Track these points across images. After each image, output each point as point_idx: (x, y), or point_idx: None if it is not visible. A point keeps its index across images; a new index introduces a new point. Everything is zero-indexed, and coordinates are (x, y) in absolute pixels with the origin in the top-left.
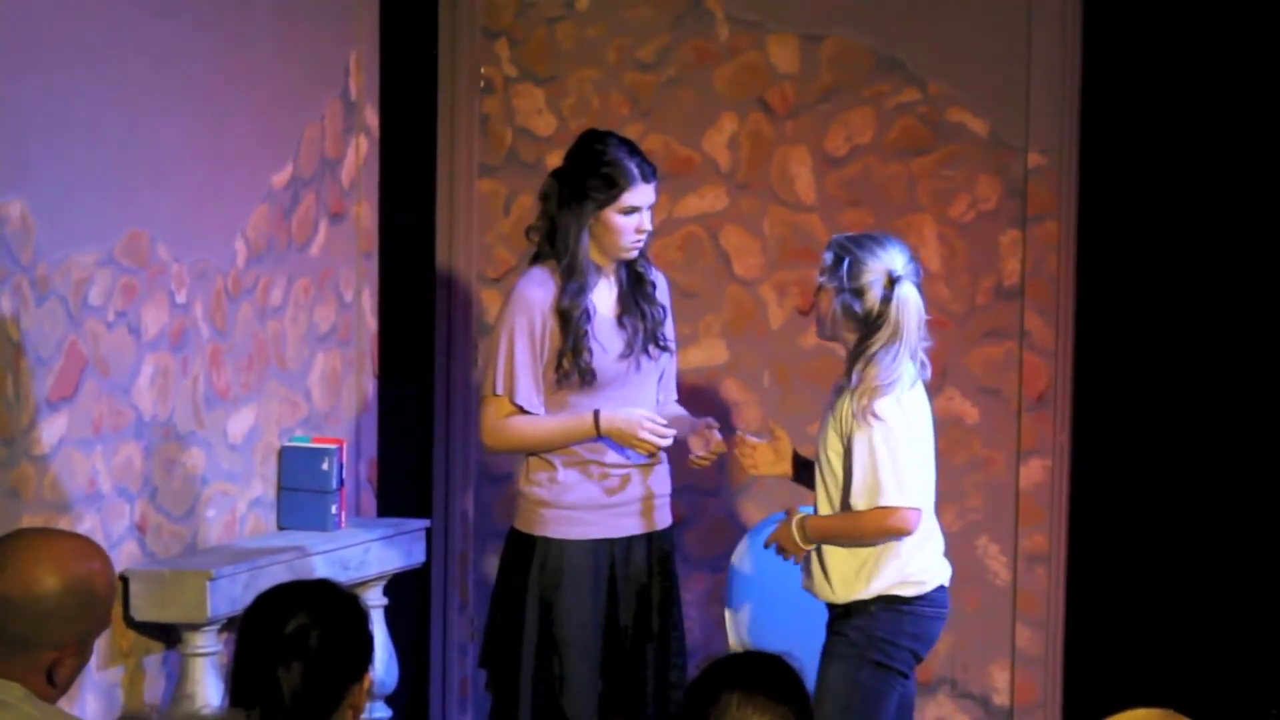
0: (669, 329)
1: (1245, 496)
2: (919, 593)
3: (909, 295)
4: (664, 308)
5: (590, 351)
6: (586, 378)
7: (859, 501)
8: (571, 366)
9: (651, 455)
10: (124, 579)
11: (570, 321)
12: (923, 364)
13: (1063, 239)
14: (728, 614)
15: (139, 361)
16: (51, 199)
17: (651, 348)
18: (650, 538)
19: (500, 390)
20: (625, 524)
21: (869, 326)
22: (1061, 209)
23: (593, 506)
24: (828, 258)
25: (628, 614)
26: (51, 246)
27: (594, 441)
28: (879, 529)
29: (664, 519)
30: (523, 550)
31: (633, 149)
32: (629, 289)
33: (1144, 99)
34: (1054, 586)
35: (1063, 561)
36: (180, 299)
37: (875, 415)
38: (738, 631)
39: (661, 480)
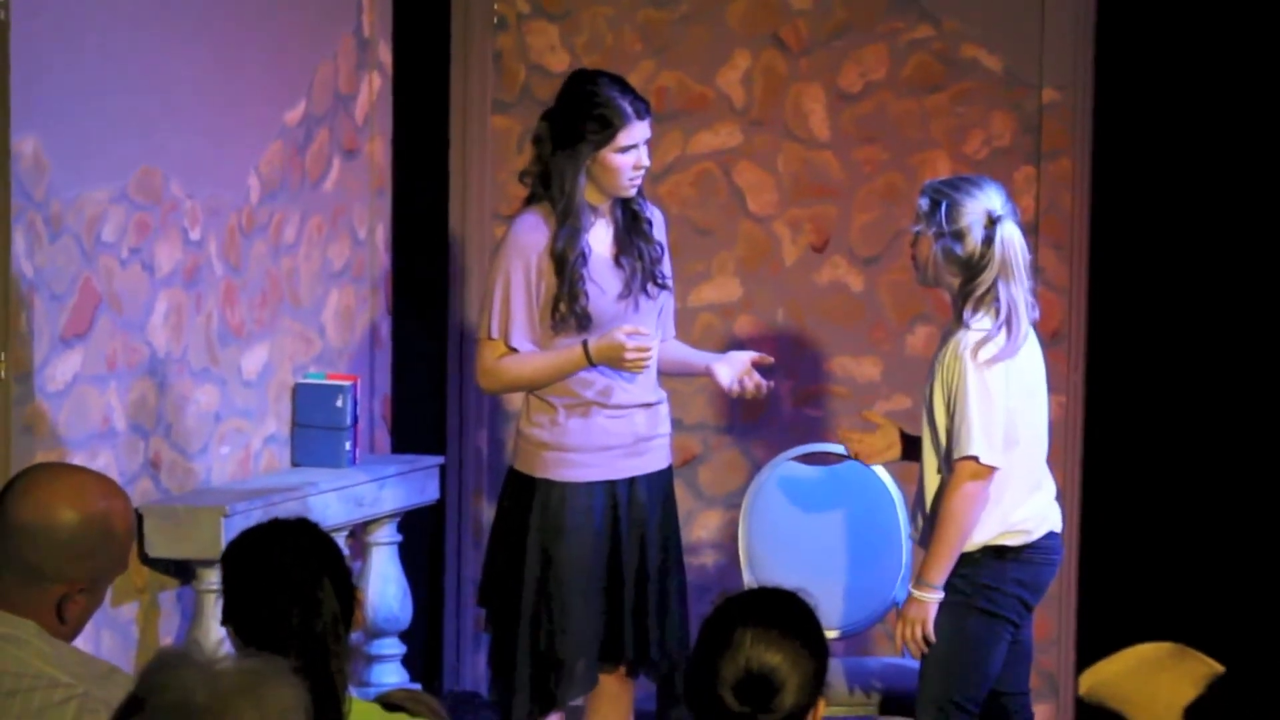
0: (667, 266)
1: (1262, 432)
2: (1025, 541)
3: (1013, 234)
4: (661, 245)
5: (586, 295)
6: (583, 322)
7: (954, 449)
8: (568, 311)
9: (640, 371)
10: (138, 515)
11: (566, 265)
12: (1031, 305)
13: (1077, 176)
14: (741, 551)
15: (153, 298)
16: (64, 136)
17: (650, 286)
18: (651, 478)
19: (495, 334)
20: (626, 465)
21: (972, 269)
22: (1075, 146)
23: (594, 449)
24: (923, 203)
25: (630, 555)
26: (65, 184)
27: (588, 371)
28: (963, 495)
29: (664, 459)
30: (523, 492)
31: (624, 86)
32: (625, 228)
33: (1159, 34)
34: (1069, 523)
35: (1077, 497)
36: (194, 236)
37: (982, 362)
38: (751, 568)
39: (661, 420)
